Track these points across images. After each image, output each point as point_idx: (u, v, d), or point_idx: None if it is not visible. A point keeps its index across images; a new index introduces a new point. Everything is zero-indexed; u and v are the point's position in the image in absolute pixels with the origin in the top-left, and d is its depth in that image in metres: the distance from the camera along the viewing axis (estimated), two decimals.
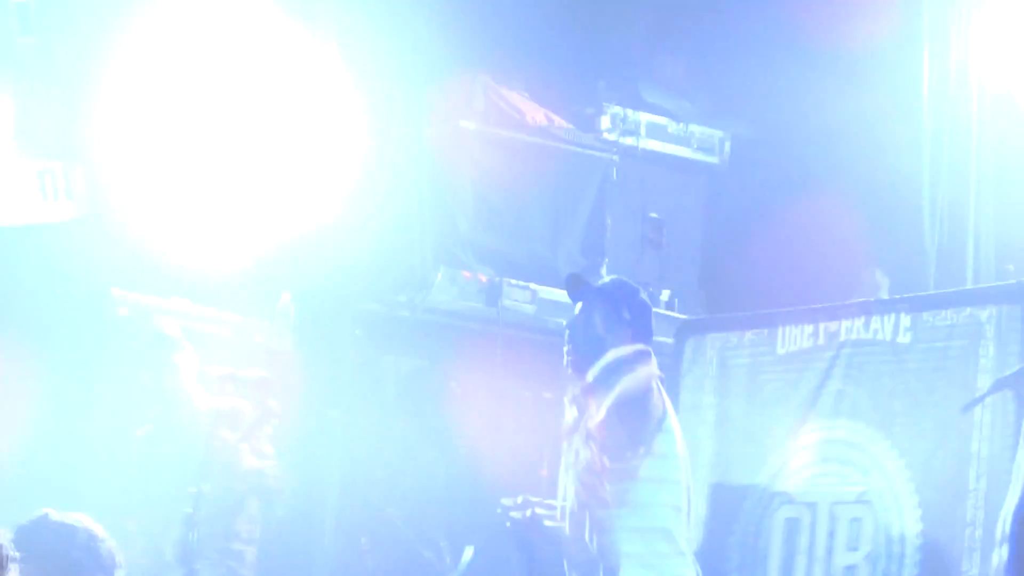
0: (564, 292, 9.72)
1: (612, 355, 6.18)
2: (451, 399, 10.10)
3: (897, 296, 8.47)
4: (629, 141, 10.44)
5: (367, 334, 9.88)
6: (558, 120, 10.28)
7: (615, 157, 10.28)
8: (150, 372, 8.17)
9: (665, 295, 10.01)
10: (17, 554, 3.81)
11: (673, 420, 6.46)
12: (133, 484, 8.16)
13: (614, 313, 6.33)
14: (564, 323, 6.48)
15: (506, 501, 6.49)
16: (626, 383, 6.10)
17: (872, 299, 8.62)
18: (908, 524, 7.82)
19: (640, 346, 6.28)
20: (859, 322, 8.21)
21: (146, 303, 9.10)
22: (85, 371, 8.98)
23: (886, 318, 8.11)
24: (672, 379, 8.92)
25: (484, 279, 9.80)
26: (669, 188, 10.65)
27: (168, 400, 8.22)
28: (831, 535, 8.14)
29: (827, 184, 9.61)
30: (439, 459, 10.32)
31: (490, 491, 10.12)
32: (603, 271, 10.15)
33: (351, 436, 9.81)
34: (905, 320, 8.03)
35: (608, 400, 6.09)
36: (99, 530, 4.76)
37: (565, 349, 6.32)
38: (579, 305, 6.42)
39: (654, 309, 6.79)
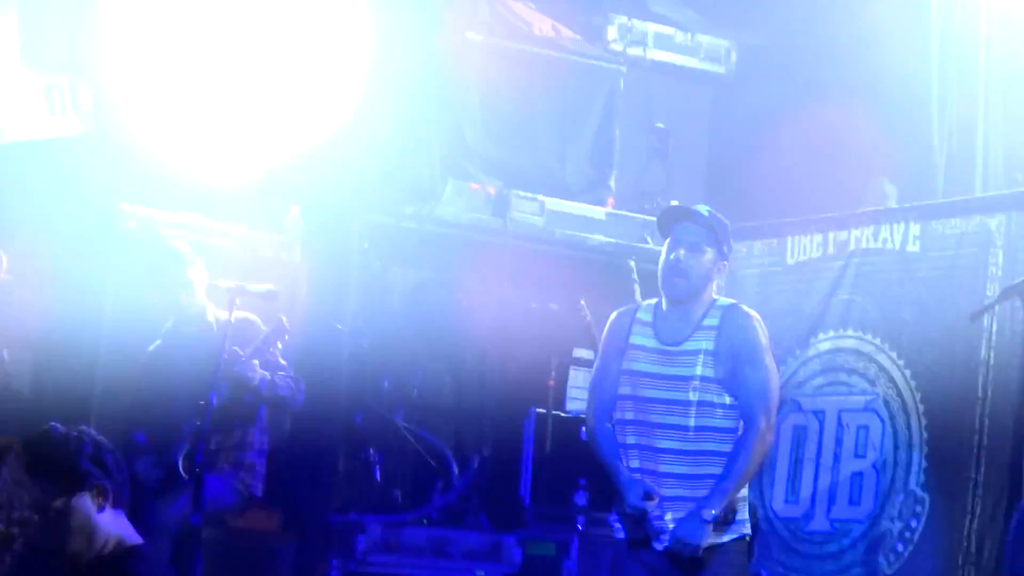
0: (572, 203, 9.81)
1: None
2: (458, 311, 10.14)
3: (906, 205, 8.49)
4: (636, 52, 10.42)
5: (375, 246, 9.90)
6: (565, 31, 10.26)
7: (622, 68, 10.27)
8: (160, 286, 8.20)
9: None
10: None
11: None
12: (143, 398, 8.21)
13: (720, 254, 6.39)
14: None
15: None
16: None
17: (881, 208, 8.64)
18: (915, 432, 7.89)
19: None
20: (868, 231, 8.24)
21: (154, 217, 9.11)
22: (94, 285, 9.00)
23: (895, 227, 8.13)
24: None
25: (492, 191, 9.81)
26: (675, 98, 10.64)
27: (178, 314, 8.26)
28: (838, 443, 8.20)
29: (835, 94, 9.60)
30: (446, 370, 10.39)
31: (497, 402, 10.21)
32: (612, 183, 10.17)
33: (358, 348, 9.86)
34: (914, 229, 8.06)
35: None
36: (105, 441, 4.81)
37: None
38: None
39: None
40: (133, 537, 4.79)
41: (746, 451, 6.12)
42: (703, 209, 6.37)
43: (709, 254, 6.30)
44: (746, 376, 6.19)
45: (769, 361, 6.25)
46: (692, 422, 6.21)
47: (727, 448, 6.17)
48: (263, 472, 8.26)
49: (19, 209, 9.07)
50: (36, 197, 9.08)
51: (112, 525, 4.73)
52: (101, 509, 4.70)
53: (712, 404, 6.21)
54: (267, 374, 7.87)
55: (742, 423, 6.20)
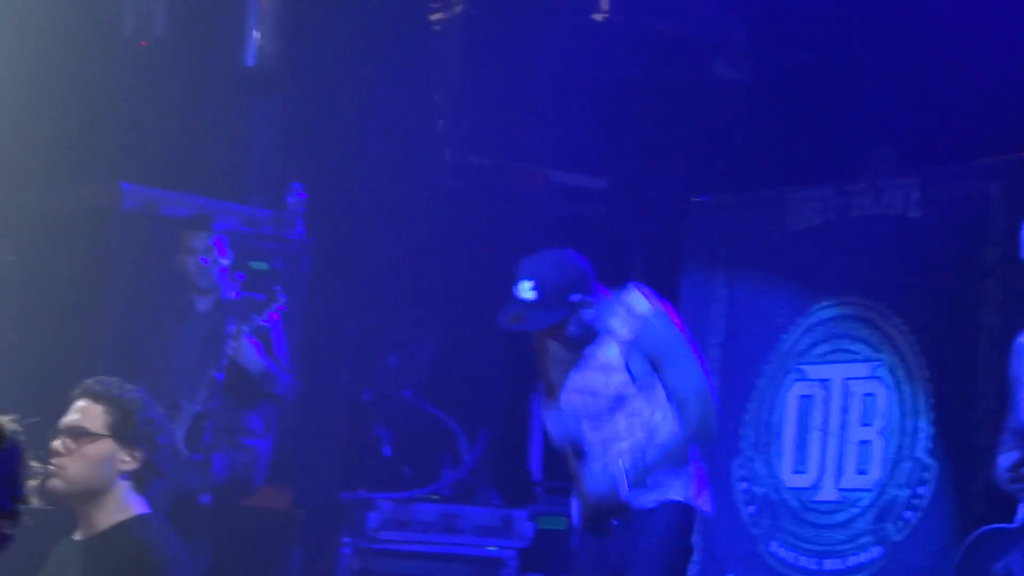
0: None
1: None
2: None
3: (907, 169, 8.52)
4: None
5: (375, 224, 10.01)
6: None
7: None
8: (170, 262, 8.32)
9: None
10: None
11: None
12: (150, 377, 8.31)
13: None
14: None
15: None
16: None
17: (881, 173, 8.67)
18: (920, 398, 7.94)
19: None
20: (869, 198, 8.29)
21: (155, 196, 9.18)
22: (97, 264, 9.09)
23: (896, 192, 8.18)
24: (679, 259, 9.05)
25: None
26: None
27: (185, 293, 8.36)
28: (845, 411, 8.26)
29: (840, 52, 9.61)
30: (452, 345, 10.46)
31: (504, 375, 10.29)
32: None
33: (361, 324, 9.95)
34: (916, 194, 8.10)
35: None
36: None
37: None
38: None
39: None
40: (142, 507, 4.94)
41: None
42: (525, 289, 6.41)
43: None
44: None
45: None
46: None
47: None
48: (266, 457, 8.34)
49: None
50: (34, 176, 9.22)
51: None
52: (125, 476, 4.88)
53: None
54: (263, 363, 7.93)
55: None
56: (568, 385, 6.42)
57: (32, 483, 2.98)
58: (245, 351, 7.86)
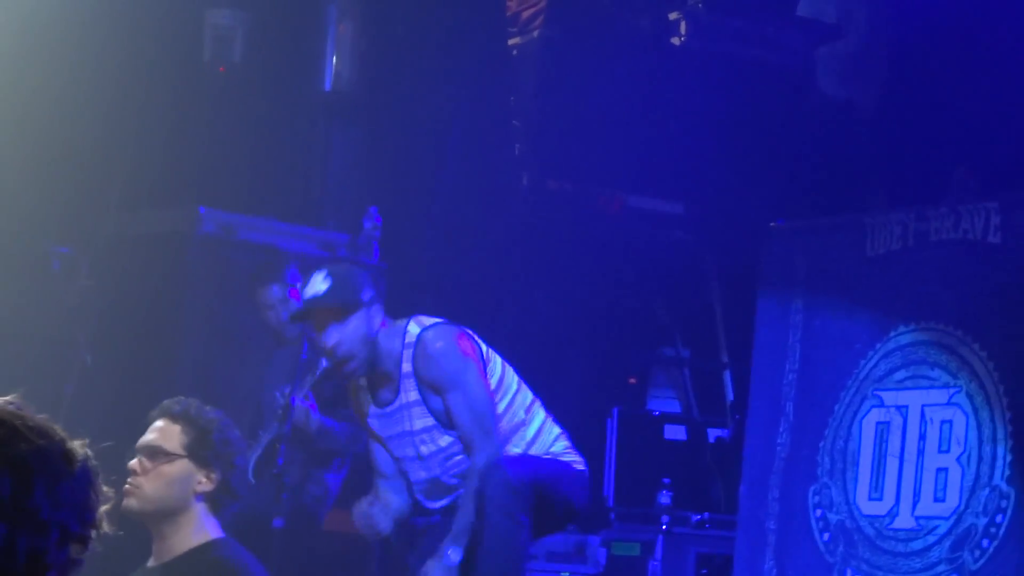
0: None
1: None
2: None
3: (987, 193, 8.48)
4: None
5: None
6: None
7: None
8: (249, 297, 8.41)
9: None
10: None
11: None
12: (227, 403, 8.40)
13: None
14: None
15: None
16: None
17: (962, 198, 8.64)
18: (999, 425, 7.89)
19: None
20: (949, 222, 8.26)
21: (232, 220, 9.27)
22: (173, 291, 9.20)
23: (976, 217, 8.14)
24: (756, 284, 9.04)
25: None
26: None
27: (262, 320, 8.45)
28: (922, 437, 8.21)
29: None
30: (527, 367, 10.49)
31: (577, 400, 10.31)
32: None
33: None
34: (996, 219, 8.06)
35: None
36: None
37: None
38: None
39: None
40: (217, 531, 4.99)
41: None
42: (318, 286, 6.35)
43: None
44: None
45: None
46: None
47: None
48: (335, 494, 8.39)
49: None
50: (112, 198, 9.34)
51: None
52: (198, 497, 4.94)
53: None
54: (319, 421, 7.97)
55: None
56: (372, 411, 6.49)
57: (104, 509, 3.02)
58: (298, 414, 7.89)
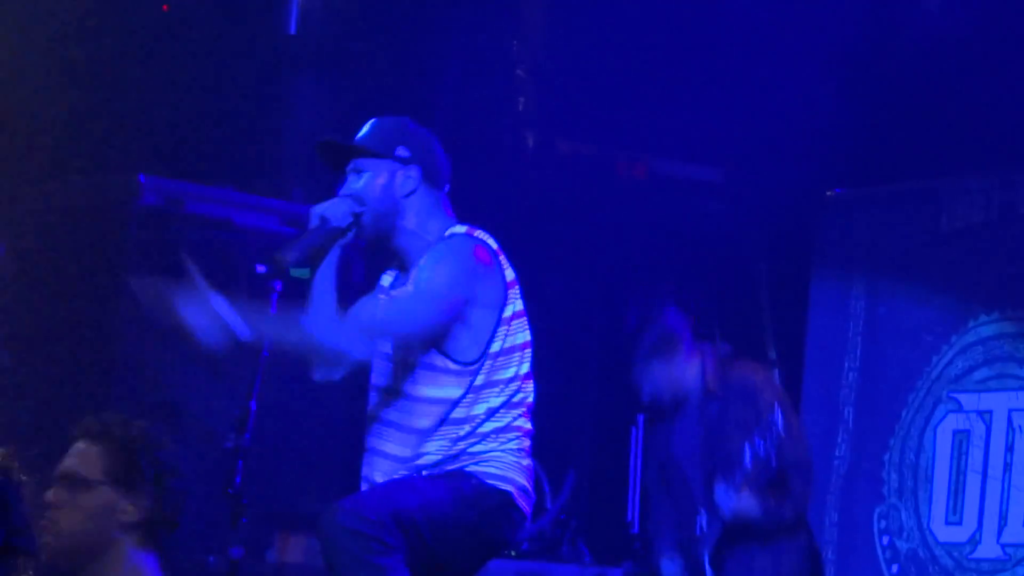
0: None
1: None
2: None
3: None
4: None
5: None
6: None
7: None
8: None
9: None
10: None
11: None
12: (173, 408, 8.43)
13: None
14: None
15: None
16: None
17: None
18: None
19: None
20: None
21: (179, 190, 9.28)
22: (110, 273, 9.22)
23: None
24: (809, 265, 9.07)
25: None
26: None
27: None
28: (1009, 449, 8.25)
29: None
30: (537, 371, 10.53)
31: (597, 408, 10.34)
32: None
33: None
34: None
35: None
36: None
37: None
38: None
39: None
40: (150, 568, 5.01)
41: None
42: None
43: (380, 175, 6.33)
44: None
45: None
46: None
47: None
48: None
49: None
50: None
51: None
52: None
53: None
54: None
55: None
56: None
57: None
58: None
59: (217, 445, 8.07)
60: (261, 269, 6.98)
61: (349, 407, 9.13)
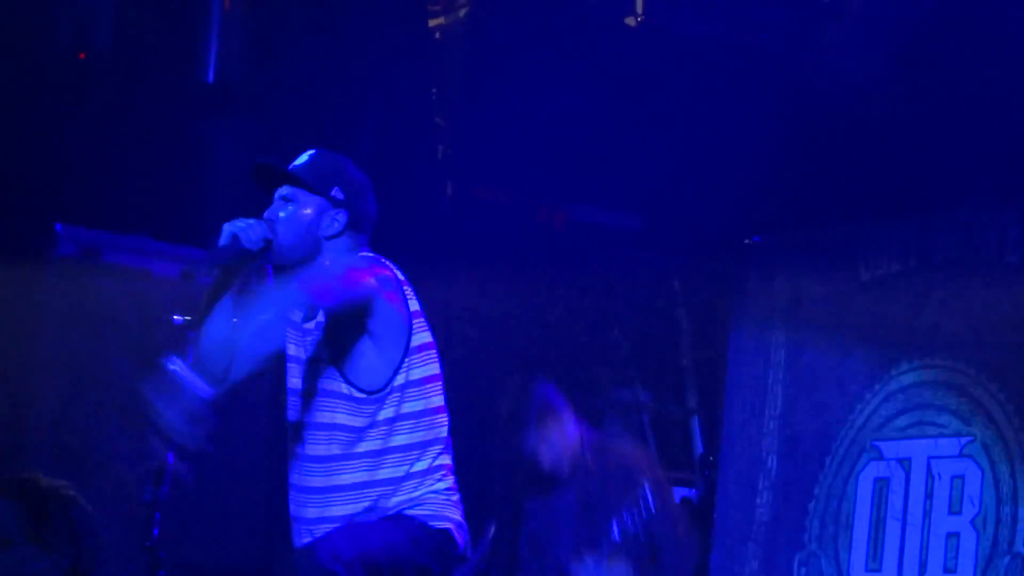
0: None
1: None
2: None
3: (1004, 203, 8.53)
4: None
5: None
6: None
7: None
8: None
9: None
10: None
11: None
12: (94, 461, 8.36)
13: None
14: None
15: None
16: None
17: (973, 207, 8.68)
18: (1020, 481, 7.93)
19: None
20: (957, 238, 8.30)
21: (95, 239, 9.22)
22: (25, 324, 9.14)
23: (990, 231, 8.19)
24: (728, 313, 9.06)
25: None
26: None
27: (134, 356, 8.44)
28: (929, 496, 8.25)
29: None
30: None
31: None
32: None
33: None
34: (1013, 232, 8.11)
35: None
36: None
37: None
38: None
39: None
40: None
41: None
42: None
43: (308, 208, 6.26)
44: None
45: None
46: None
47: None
48: None
49: None
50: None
51: None
52: None
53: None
54: None
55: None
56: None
57: None
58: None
59: (135, 498, 8.05)
60: (178, 320, 6.96)
61: (269, 452, 9.11)
